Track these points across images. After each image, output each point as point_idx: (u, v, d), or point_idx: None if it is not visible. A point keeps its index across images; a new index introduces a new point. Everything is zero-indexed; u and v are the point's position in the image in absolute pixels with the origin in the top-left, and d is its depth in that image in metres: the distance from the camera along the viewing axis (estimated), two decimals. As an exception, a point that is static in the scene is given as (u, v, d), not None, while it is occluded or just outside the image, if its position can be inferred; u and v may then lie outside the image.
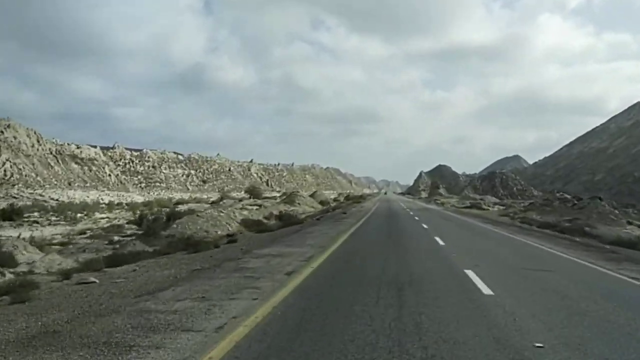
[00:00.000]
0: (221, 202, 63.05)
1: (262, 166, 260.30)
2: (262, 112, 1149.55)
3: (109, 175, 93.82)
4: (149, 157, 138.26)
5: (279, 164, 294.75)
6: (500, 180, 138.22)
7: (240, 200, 65.03)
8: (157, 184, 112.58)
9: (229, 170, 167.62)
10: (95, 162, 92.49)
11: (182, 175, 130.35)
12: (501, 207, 58.50)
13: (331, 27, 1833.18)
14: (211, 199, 73.64)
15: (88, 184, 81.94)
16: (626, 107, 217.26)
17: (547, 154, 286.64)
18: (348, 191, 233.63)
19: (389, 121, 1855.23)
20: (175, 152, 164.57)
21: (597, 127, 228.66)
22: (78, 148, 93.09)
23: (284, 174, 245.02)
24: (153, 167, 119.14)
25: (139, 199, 78.72)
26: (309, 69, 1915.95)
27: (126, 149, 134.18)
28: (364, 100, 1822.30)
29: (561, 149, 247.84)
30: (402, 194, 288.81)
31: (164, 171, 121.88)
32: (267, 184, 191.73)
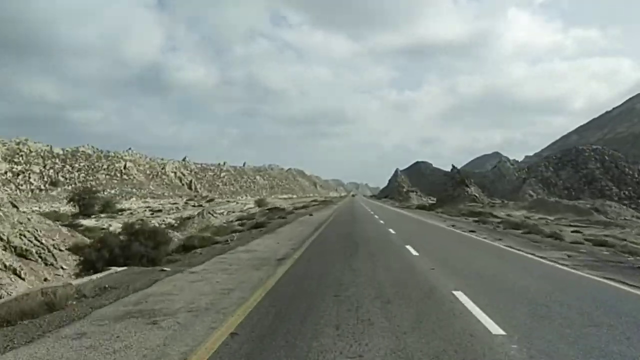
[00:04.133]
0: None
1: (198, 165, 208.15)
2: (227, 113, 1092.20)
3: None
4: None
5: (224, 164, 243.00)
6: (602, 165, 73.90)
7: None
8: None
9: (124, 168, 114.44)
10: None
11: (5, 172, 76.87)
12: None
13: (293, 23, 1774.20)
14: None
15: None
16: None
17: (529, 153, 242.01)
18: (264, 198, 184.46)
19: (357, 123, 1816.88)
20: (49, 144, 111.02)
21: (610, 110, 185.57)
22: None
23: (223, 174, 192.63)
24: None
25: None
26: (273, 67, 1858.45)
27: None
28: (331, 101, 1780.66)
29: (565, 136, 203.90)
30: (375, 197, 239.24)
31: (-56, 165, 68.42)
32: (190, 187, 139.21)
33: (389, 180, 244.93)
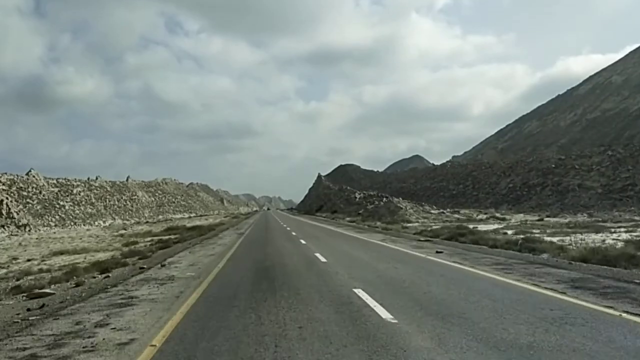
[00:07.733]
0: None
1: (52, 181, 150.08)
2: (124, 129, 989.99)
3: None
4: None
5: (96, 178, 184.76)
6: None
7: None
8: None
9: None
10: None
11: None
12: None
13: (190, 30, 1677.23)
14: None
15: None
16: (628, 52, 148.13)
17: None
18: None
19: (265, 135, 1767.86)
20: None
21: (574, 88, 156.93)
22: None
23: (78, 191, 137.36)
24: None
25: None
26: (172, 78, 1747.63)
27: None
28: (237, 113, 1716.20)
29: (509, 126, 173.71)
30: (296, 210, 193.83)
31: None
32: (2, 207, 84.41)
33: (310, 189, 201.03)
